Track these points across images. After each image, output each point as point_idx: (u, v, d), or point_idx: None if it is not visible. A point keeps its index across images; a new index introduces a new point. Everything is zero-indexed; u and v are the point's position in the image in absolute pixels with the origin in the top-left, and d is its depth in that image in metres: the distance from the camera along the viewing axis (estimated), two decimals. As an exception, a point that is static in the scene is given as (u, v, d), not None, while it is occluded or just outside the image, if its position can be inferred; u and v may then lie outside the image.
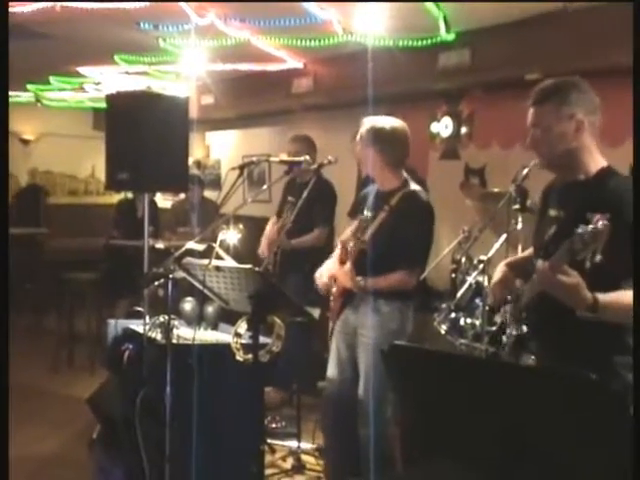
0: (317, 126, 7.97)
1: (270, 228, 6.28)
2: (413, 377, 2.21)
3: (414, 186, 4.19)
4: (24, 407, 6.17)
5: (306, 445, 5.11)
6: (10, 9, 5.65)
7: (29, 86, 10.32)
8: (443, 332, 3.84)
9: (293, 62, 7.58)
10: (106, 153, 5.50)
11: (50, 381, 6.94)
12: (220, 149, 11.44)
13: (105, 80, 9.10)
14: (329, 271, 4.30)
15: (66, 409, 6.07)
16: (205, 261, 3.73)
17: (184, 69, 7.57)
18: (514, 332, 2.88)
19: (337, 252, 4.32)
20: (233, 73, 8.33)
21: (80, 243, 10.12)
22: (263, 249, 6.14)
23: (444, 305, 3.89)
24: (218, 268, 3.68)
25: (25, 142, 12.64)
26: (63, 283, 8.02)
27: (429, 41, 6.14)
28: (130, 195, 8.40)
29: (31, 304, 9.45)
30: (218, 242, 3.87)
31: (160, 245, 6.50)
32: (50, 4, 5.47)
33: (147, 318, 4.17)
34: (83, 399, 5.06)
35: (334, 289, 4.30)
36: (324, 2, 5.28)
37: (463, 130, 7.07)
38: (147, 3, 5.30)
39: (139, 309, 4.40)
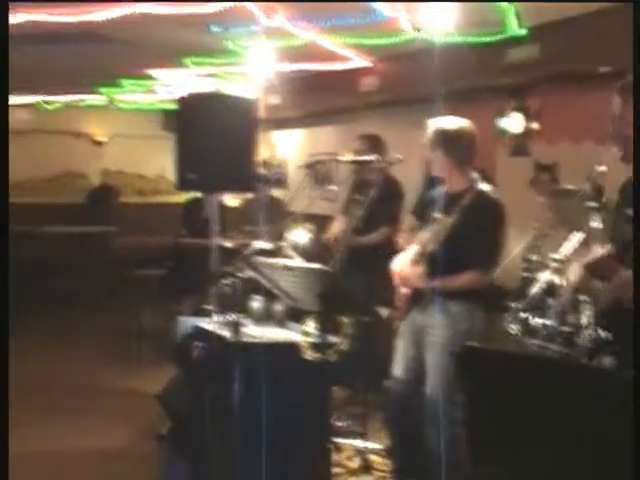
0: (383, 124, 7.93)
1: (335, 226, 6.28)
2: (485, 379, 2.18)
3: (483, 185, 4.14)
4: (94, 401, 6.33)
5: (373, 445, 5.09)
6: (85, 16, 5.81)
7: (102, 89, 10.53)
8: (513, 332, 3.78)
9: (359, 60, 7.57)
10: (176, 154, 5.58)
11: (119, 375, 7.07)
12: (286, 148, 11.51)
13: (175, 82, 9.24)
14: (400, 271, 4.27)
15: (135, 403, 6.18)
16: (274, 260, 3.75)
17: (252, 70, 7.63)
18: (593, 334, 2.80)
19: (409, 252, 4.27)
20: (299, 72, 8.37)
21: (149, 241, 10.29)
22: (328, 246, 6.14)
23: (514, 305, 3.83)
24: (287, 267, 3.70)
25: (98, 143, 12.93)
26: (132, 280, 8.18)
27: (498, 36, 6.07)
28: (198, 194, 8.49)
29: (100, 300, 9.65)
30: (286, 241, 3.89)
31: (228, 244, 6.55)
32: (127, 10, 5.58)
33: (215, 316, 4.22)
34: (151, 394, 5.15)
35: (403, 289, 4.27)
36: (390, 1, 5.26)
37: (532, 126, 6.96)
38: (217, 6, 5.36)
39: (208, 307, 4.45)
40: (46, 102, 11.72)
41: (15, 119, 12.17)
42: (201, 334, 4.30)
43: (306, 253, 4.06)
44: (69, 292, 10.03)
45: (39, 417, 5.87)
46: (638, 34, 2.64)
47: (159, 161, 12.69)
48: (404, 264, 4.25)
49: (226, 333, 4.05)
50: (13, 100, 11.31)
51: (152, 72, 8.93)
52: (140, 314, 7.91)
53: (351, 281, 5.60)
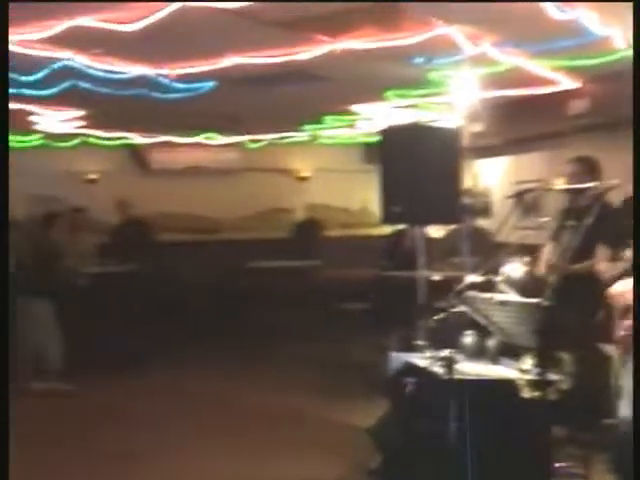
0: (592, 147, 7.55)
1: (546, 254, 6.02)
2: None
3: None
4: (303, 431, 6.40)
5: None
6: (290, 57, 5.99)
7: (305, 126, 10.84)
8: None
9: (568, 82, 7.28)
10: (380, 186, 5.60)
11: (327, 407, 7.11)
12: (489, 176, 11.27)
13: (376, 115, 9.34)
14: (622, 294, 3.99)
15: (344, 436, 6.17)
16: (488, 295, 3.63)
17: (454, 98, 7.55)
18: None
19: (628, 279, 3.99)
20: (503, 99, 8.18)
21: (354, 274, 10.39)
22: (541, 278, 5.88)
23: None
24: (502, 302, 3.56)
25: (302, 179, 13.34)
26: (338, 313, 8.27)
27: None
28: (402, 226, 8.48)
29: (307, 332, 9.82)
30: (501, 275, 3.76)
31: (435, 276, 6.45)
32: (330, 48, 5.70)
33: (427, 351, 4.14)
34: (362, 427, 5.12)
35: (626, 320, 3.99)
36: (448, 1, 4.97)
37: None
38: (420, 38, 5.35)
39: (418, 342, 4.39)
40: (252, 141, 12.23)
41: (223, 159, 12.87)
42: (413, 370, 4.23)
43: (521, 287, 3.89)
44: (275, 324, 10.30)
45: (254, 446, 6.02)
46: (638, 34, 2.54)
47: (362, 194, 12.84)
48: (627, 290, 3.97)
49: (438, 369, 3.96)
50: (222, 140, 11.92)
51: (354, 107, 9.08)
52: (347, 347, 7.95)
53: (569, 314, 5.32)
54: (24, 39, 5.16)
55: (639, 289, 2.15)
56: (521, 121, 8.74)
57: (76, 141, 11.34)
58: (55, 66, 5.89)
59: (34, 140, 11.13)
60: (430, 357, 4.05)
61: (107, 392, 7.75)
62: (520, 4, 4.75)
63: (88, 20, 4.85)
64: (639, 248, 2.11)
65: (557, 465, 5.29)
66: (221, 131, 11.27)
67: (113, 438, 6.33)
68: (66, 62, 5.82)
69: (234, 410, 7.10)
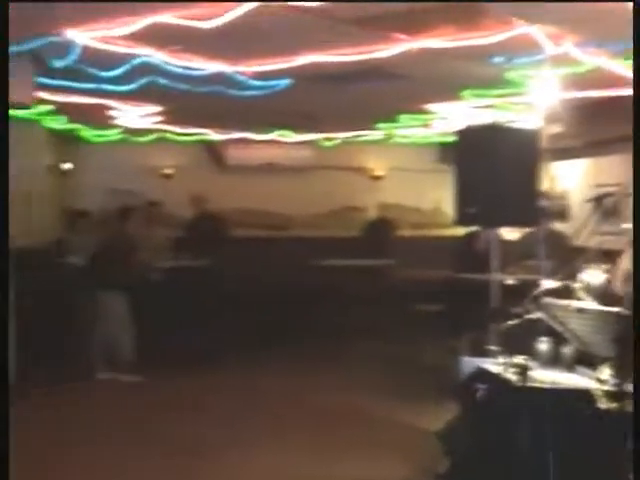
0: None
1: (626, 262, 5.83)
2: None
3: None
4: (368, 434, 6.35)
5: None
6: (369, 55, 5.95)
7: (380, 124, 10.79)
8: None
9: (653, 83, 7.04)
10: (455, 187, 5.51)
11: (397, 408, 7.03)
12: (567, 179, 11.02)
13: (452, 115, 9.22)
14: None
15: (412, 438, 6.10)
16: (566, 302, 3.53)
17: (533, 99, 7.40)
18: None
19: None
20: (584, 100, 7.98)
21: (426, 275, 10.29)
22: (616, 285, 5.70)
23: None
24: (580, 310, 3.46)
25: (376, 178, 13.29)
26: (410, 314, 8.19)
27: None
28: (475, 227, 8.35)
29: (378, 332, 9.76)
30: (579, 281, 3.65)
31: (509, 280, 6.33)
32: (409, 46, 5.64)
33: (500, 357, 4.05)
34: (428, 430, 5.05)
35: None
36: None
37: None
38: (500, 37, 5.25)
39: (491, 347, 4.30)
40: (326, 139, 12.23)
41: (297, 156, 12.93)
42: (485, 375, 4.15)
43: (600, 295, 3.77)
44: (345, 323, 10.27)
45: (321, 445, 6.01)
46: (638, 34, 2.62)
47: (436, 194, 12.72)
48: None
49: (511, 376, 3.87)
50: (296, 138, 11.96)
51: (430, 106, 8.98)
52: (418, 348, 7.88)
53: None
54: (106, 35, 5.26)
55: (639, 289, 2.11)
56: (602, 123, 8.51)
57: (153, 136, 11.53)
58: (135, 62, 5.98)
59: (113, 135, 11.37)
60: (503, 363, 3.97)
61: (176, 386, 7.83)
62: (603, 3, 4.61)
63: (168, 17, 4.90)
64: (639, 247, 2.07)
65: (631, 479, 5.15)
66: (296, 129, 11.30)
67: (179, 432, 6.39)
68: (145, 58, 5.90)
69: (303, 408, 7.10)
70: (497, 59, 6.15)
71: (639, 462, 1.58)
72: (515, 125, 7.23)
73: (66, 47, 5.54)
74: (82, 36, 5.31)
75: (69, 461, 5.71)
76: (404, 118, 10.08)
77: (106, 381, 8.06)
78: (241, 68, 6.45)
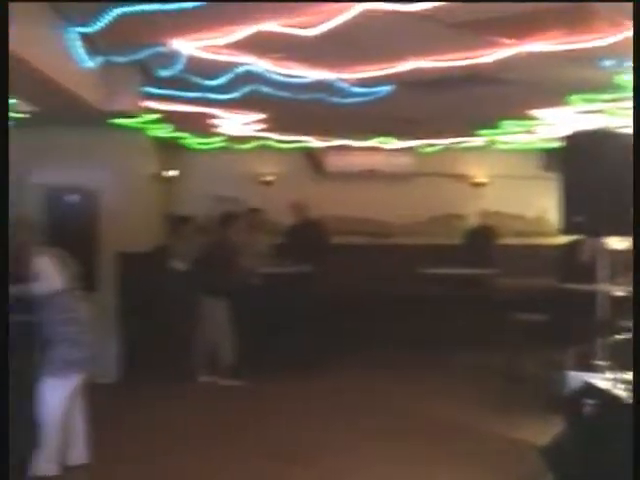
0: None
1: None
2: None
3: None
4: (464, 445, 6.22)
5: None
6: (473, 60, 5.84)
7: (482, 131, 10.61)
8: None
9: None
10: (560, 194, 5.36)
11: (493, 421, 6.86)
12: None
13: (557, 120, 8.98)
14: None
15: (510, 452, 5.93)
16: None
17: (644, 104, 7.13)
18: None
19: None
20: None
21: (529, 285, 10.04)
22: None
23: None
24: None
25: (477, 185, 13.08)
26: (512, 323, 8.01)
27: None
28: (581, 237, 8.09)
29: (473, 341, 9.58)
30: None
31: (618, 292, 6.09)
32: (514, 51, 5.52)
33: (608, 373, 3.90)
34: (528, 443, 4.89)
35: None
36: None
37: None
38: (610, 40, 5.07)
39: (598, 362, 4.15)
40: (427, 145, 12.12)
41: (397, 163, 12.85)
42: (592, 391, 4.01)
43: None
44: (444, 331, 10.11)
45: (415, 454, 5.92)
46: (638, 34, 2.62)
47: (539, 202, 12.42)
48: None
49: (621, 392, 3.72)
50: (397, 144, 11.89)
51: (534, 112, 8.77)
52: (519, 359, 7.70)
53: None
54: (210, 44, 5.34)
55: (639, 290, 2.03)
56: None
57: (255, 144, 11.67)
58: (238, 71, 6.05)
59: (216, 142, 11.56)
60: (612, 379, 3.81)
61: (275, 391, 7.90)
62: None
63: (271, 25, 4.93)
64: (639, 247, 2.00)
65: None
66: (397, 135, 11.24)
67: (276, 436, 6.45)
68: (248, 67, 5.96)
69: (398, 416, 7.03)
70: (607, 62, 5.94)
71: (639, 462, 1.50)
72: (625, 131, 6.97)
73: (172, 57, 5.65)
74: (187, 46, 5.41)
75: (166, 461, 5.84)
76: (507, 124, 9.87)
77: (207, 384, 8.20)
78: (343, 75, 6.44)
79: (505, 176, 12.66)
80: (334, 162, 12.71)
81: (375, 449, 6.08)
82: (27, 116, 7.20)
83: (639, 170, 2.38)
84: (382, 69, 6.26)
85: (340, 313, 9.35)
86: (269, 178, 13.03)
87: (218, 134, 10.67)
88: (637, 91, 2.36)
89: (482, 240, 12.09)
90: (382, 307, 10.43)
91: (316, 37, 4.98)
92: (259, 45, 5.43)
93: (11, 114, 7.15)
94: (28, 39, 4.55)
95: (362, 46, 5.59)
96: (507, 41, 5.43)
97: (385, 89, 7.11)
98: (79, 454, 5.54)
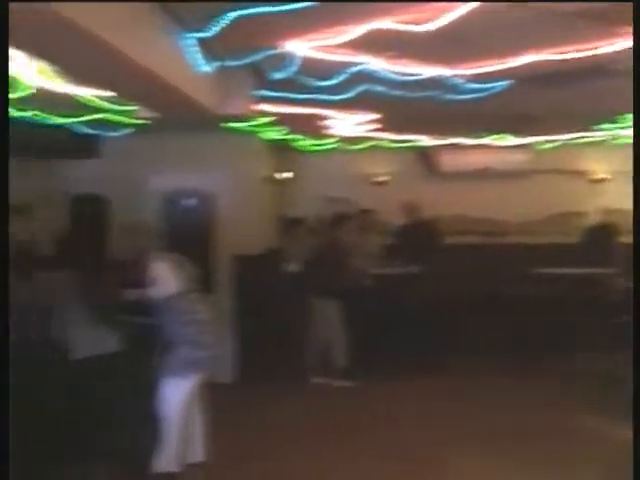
0: None
1: None
2: None
3: None
4: (574, 450, 6.05)
5: None
6: (591, 51, 5.61)
7: (602, 125, 10.23)
8: None
9: None
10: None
11: (605, 425, 6.63)
12: None
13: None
14: None
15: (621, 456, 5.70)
16: None
17: None
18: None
19: None
20: None
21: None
22: None
23: None
24: None
25: (597, 181, 12.62)
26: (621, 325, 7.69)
27: None
28: None
29: (591, 344, 9.22)
30: None
31: None
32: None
33: None
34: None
35: None
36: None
37: None
38: None
39: None
40: (545, 142, 11.78)
41: (513, 160, 12.52)
42: None
43: None
44: (555, 333, 9.78)
45: (524, 459, 5.79)
46: (638, 34, 2.68)
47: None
48: None
49: None
50: (512, 141, 11.60)
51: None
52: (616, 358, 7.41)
53: None
54: (324, 45, 5.31)
55: (639, 288, 1.94)
56: None
57: (367, 144, 11.62)
58: (352, 70, 6.01)
59: (328, 144, 11.58)
60: None
61: (387, 392, 7.84)
62: None
63: (385, 23, 4.86)
64: (639, 247, 1.90)
65: None
66: (512, 132, 10.97)
67: (389, 437, 6.44)
68: (362, 66, 5.91)
69: (512, 417, 6.87)
70: None
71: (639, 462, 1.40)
72: None
73: (286, 58, 5.66)
74: (301, 47, 5.40)
75: (278, 460, 5.94)
76: (629, 118, 9.47)
77: (319, 385, 8.21)
78: (458, 71, 6.31)
79: (627, 172, 12.15)
80: (447, 161, 12.54)
81: (484, 447, 6.04)
82: (147, 122, 7.39)
83: (639, 170, 2.33)
84: (498, 64, 6.09)
85: (452, 314, 9.17)
86: (381, 178, 12.97)
87: (331, 135, 10.68)
88: (637, 91, 2.31)
89: (602, 238, 11.63)
90: (496, 308, 10.18)
91: (431, 33, 4.88)
92: (373, 44, 5.37)
93: (132, 121, 7.38)
94: (148, 46, 4.66)
95: (477, 41, 5.45)
96: (629, 30, 5.18)
97: (501, 84, 6.92)
98: (197, 452, 5.63)
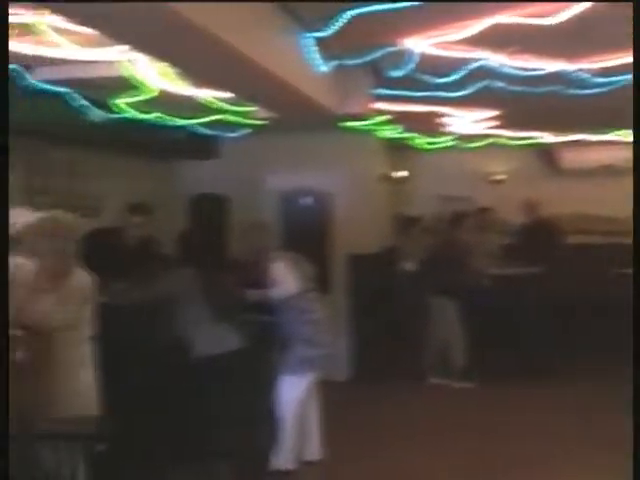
0: None
1: None
2: None
3: None
4: None
5: None
6: None
7: None
8: None
9: None
10: None
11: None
12: None
13: None
14: None
15: None
16: None
17: None
18: None
19: None
20: None
21: None
22: None
23: None
24: None
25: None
26: None
27: None
28: None
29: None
30: None
31: None
32: None
33: None
34: None
35: None
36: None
37: None
38: None
39: None
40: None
41: (614, 157, 11.93)
42: None
43: None
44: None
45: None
46: (638, 34, 2.66)
47: None
48: None
49: None
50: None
51: None
52: None
53: None
54: (443, 41, 5.22)
55: (639, 288, 1.79)
56: None
57: (485, 142, 11.40)
58: (471, 66, 5.89)
59: (445, 142, 11.42)
60: None
61: (506, 395, 7.67)
62: None
63: (506, 17, 4.74)
64: (639, 246, 1.75)
65: None
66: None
67: (505, 439, 6.35)
68: (482, 62, 5.78)
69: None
70: None
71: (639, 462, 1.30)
72: None
73: (403, 56, 5.60)
74: (420, 44, 5.33)
75: (393, 457, 5.95)
76: None
77: (437, 385, 8.12)
78: (584, 65, 6.08)
79: None
80: (569, 158, 12.14)
81: (575, 460, 5.88)
82: (265, 122, 7.48)
83: (639, 170, 2.18)
84: (624, 57, 5.83)
85: (572, 315, 8.88)
86: (500, 177, 12.70)
87: (448, 133, 10.52)
88: (637, 91, 2.20)
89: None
90: (618, 310, 9.81)
91: (552, 27, 4.72)
92: (493, 39, 5.24)
93: (250, 121, 7.49)
94: (267, 46, 4.70)
95: (601, 34, 5.23)
96: None
97: (626, 78, 6.62)
98: (314, 450, 5.67)
